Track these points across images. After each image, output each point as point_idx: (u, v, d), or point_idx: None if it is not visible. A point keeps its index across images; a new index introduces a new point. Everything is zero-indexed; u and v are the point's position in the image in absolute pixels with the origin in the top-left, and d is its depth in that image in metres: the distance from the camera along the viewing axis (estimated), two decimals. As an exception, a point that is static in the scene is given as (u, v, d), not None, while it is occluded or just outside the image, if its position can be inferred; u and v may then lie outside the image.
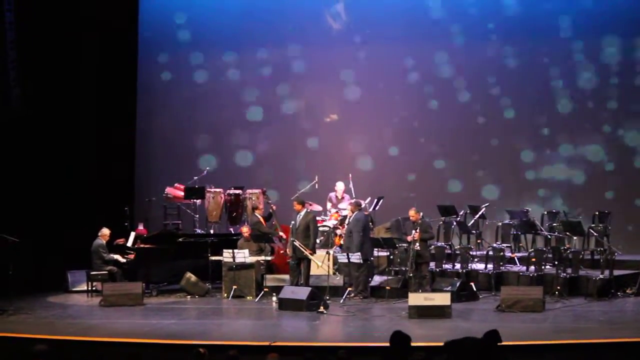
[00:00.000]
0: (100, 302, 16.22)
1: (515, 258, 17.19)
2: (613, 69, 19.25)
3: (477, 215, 17.90)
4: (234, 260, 16.64)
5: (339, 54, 20.28)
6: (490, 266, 16.87)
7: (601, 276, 15.93)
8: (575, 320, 14.24)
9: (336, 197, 18.51)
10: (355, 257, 15.99)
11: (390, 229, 18.04)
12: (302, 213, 16.59)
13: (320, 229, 17.60)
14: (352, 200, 17.21)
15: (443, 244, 17.47)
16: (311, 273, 16.44)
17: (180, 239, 17.83)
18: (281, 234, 17.42)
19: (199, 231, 18.85)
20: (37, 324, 14.56)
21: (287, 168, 20.28)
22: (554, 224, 17.46)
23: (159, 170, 20.45)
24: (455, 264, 17.08)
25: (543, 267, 16.27)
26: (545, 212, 18.22)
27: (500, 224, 17.94)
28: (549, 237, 17.11)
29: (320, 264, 16.18)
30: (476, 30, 19.71)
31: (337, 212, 18.21)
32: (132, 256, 17.49)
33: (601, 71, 19.29)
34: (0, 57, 18.08)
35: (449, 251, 17.32)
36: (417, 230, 15.95)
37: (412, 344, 8.96)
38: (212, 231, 18.79)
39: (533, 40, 19.49)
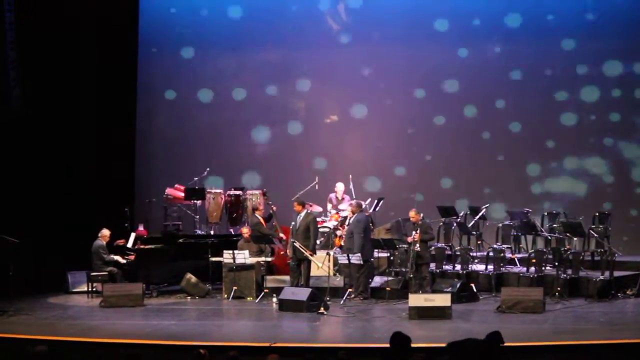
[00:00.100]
0: (100, 303, 16.21)
1: (516, 259, 17.19)
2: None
3: (478, 217, 17.90)
4: (234, 261, 16.63)
5: (340, 55, 20.28)
6: (490, 267, 16.86)
7: (601, 277, 15.93)
8: (575, 321, 14.23)
9: (336, 198, 18.51)
10: (356, 258, 15.99)
11: (390, 230, 18.05)
12: (303, 214, 16.59)
13: (321, 230, 17.61)
14: (353, 202, 17.19)
15: (443, 245, 17.47)
16: (311, 274, 16.44)
17: (180, 240, 17.82)
18: (281, 235, 17.41)
19: (199, 232, 18.84)
20: (38, 324, 14.56)
21: (287, 168, 20.27)
22: (554, 225, 17.46)
23: (159, 170, 20.46)
24: (456, 265, 17.07)
25: (543, 268, 16.26)
26: (546, 214, 18.23)
27: (500, 225, 17.94)
28: (549, 238, 17.10)
29: (321, 265, 16.17)
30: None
31: (337, 213, 18.21)
32: (132, 257, 17.49)
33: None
34: (1, 57, 18.08)
35: (449, 252, 17.31)
36: (418, 232, 15.95)
37: (412, 345, 8.96)
38: (212, 232, 18.79)
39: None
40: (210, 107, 20.62)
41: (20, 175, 18.28)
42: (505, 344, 9.13)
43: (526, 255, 17.04)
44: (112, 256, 17.33)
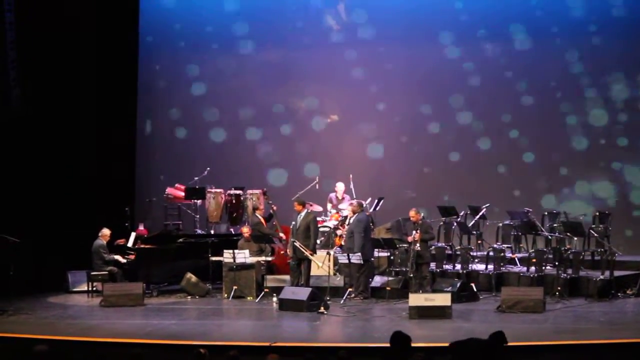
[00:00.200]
0: (100, 303, 16.21)
1: (516, 259, 17.18)
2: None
3: (478, 216, 17.89)
4: (234, 261, 16.63)
5: (340, 55, 20.28)
6: (490, 267, 16.86)
7: (602, 277, 15.93)
8: (575, 321, 14.23)
9: (336, 197, 18.51)
10: (356, 258, 15.99)
11: (390, 230, 18.04)
12: (303, 214, 16.59)
13: (321, 229, 17.61)
14: (354, 201, 17.18)
15: (444, 244, 17.46)
16: (311, 274, 16.44)
17: (180, 240, 17.82)
18: (281, 235, 17.41)
19: (199, 232, 18.84)
20: (38, 324, 14.56)
21: (287, 169, 20.28)
22: (555, 225, 17.45)
23: (159, 170, 20.46)
24: (456, 264, 17.07)
25: (543, 267, 16.26)
26: (546, 213, 18.21)
27: (500, 224, 17.93)
28: (550, 237, 17.10)
29: (321, 264, 16.17)
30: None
31: (337, 212, 18.21)
32: (132, 256, 17.49)
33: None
34: (1, 58, 18.08)
35: (450, 252, 17.31)
36: (418, 231, 15.95)
37: (413, 345, 8.96)
38: (212, 231, 18.80)
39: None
40: (210, 107, 20.61)
41: (21, 175, 18.28)
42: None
43: (526, 254, 17.03)
44: (112, 256, 17.33)
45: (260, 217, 17.67)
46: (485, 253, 17.30)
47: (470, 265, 16.90)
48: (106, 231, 17.39)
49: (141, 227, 18.53)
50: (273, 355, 9.58)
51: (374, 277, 16.63)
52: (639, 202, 19.25)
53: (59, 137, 18.89)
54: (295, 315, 15.04)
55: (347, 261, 16.17)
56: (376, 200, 18.41)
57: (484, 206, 18.06)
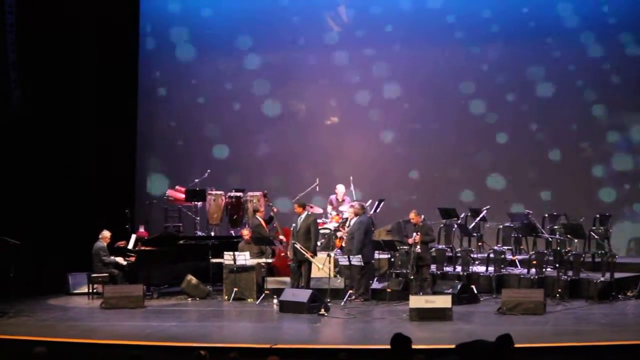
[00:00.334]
0: (101, 305, 16.21)
1: (516, 261, 17.17)
2: None
3: (478, 218, 17.89)
4: (234, 263, 16.63)
5: (341, 55, 20.29)
6: (491, 269, 16.85)
7: (602, 279, 15.92)
8: (576, 322, 14.22)
9: (337, 199, 18.51)
10: (356, 260, 15.99)
11: (391, 232, 18.03)
12: (303, 216, 16.59)
13: (321, 231, 17.60)
14: (355, 203, 17.16)
15: (444, 246, 17.47)
16: (312, 275, 16.44)
17: (181, 242, 17.82)
18: (281, 237, 17.40)
19: (199, 234, 18.83)
20: (38, 326, 14.56)
21: (288, 170, 20.27)
22: (555, 227, 17.43)
23: (159, 172, 20.45)
24: (456, 266, 17.06)
25: (544, 269, 16.25)
26: (547, 215, 18.20)
27: (501, 226, 17.93)
28: (550, 239, 17.08)
29: (321, 266, 16.17)
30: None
31: (337, 214, 18.21)
32: (133, 258, 17.49)
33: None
34: (1, 59, 18.09)
35: (450, 254, 17.31)
36: (418, 233, 15.94)
37: (413, 347, 8.96)
38: (212, 233, 18.80)
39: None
40: (210, 108, 20.61)
41: (21, 176, 18.28)
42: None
43: (527, 256, 17.02)
44: (112, 258, 17.33)
45: (260, 219, 17.66)
46: (485, 255, 17.29)
47: (470, 267, 16.89)
48: (106, 233, 17.39)
49: (141, 229, 18.53)
50: (273, 357, 9.58)
51: (374, 279, 16.62)
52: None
53: (59, 139, 18.90)
54: (295, 317, 15.03)
55: (347, 263, 16.17)
56: (376, 202, 18.40)
57: (484, 208, 18.05)
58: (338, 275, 16.81)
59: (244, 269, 16.69)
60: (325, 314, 14.98)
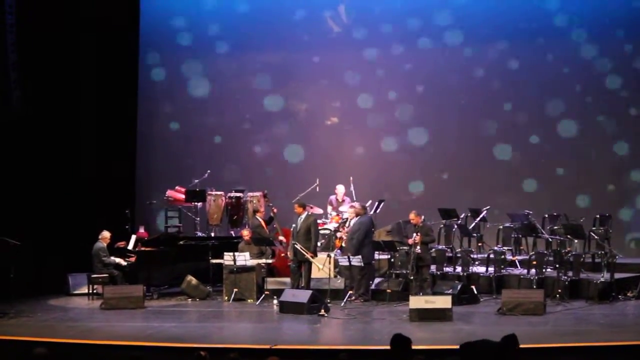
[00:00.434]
0: (101, 305, 16.21)
1: (516, 261, 17.16)
2: None
3: (478, 219, 17.88)
4: (234, 263, 16.63)
5: (341, 56, 20.28)
6: (491, 269, 16.84)
7: (602, 279, 15.91)
8: (576, 323, 14.22)
9: (337, 199, 18.51)
10: (357, 260, 15.99)
11: (391, 232, 18.03)
12: (303, 216, 16.58)
13: (321, 231, 17.60)
14: (356, 204, 17.15)
15: (444, 247, 17.46)
16: (312, 276, 16.43)
17: (181, 242, 17.82)
18: (281, 238, 17.39)
19: (200, 234, 18.83)
20: (38, 326, 14.56)
21: (288, 171, 20.28)
22: (555, 227, 17.42)
23: (159, 172, 20.45)
24: (456, 267, 17.06)
25: (544, 270, 16.24)
26: (547, 215, 18.19)
27: (501, 227, 17.92)
28: (550, 240, 17.07)
29: (321, 266, 16.17)
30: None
31: (337, 215, 18.21)
32: (133, 259, 17.49)
33: None
34: (1, 59, 18.09)
35: (450, 254, 17.30)
36: (418, 234, 15.94)
37: (413, 347, 8.95)
38: (212, 234, 18.80)
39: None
40: (210, 108, 20.61)
41: (21, 177, 18.28)
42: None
43: (527, 257, 17.02)
44: (112, 258, 17.33)
45: (260, 219, 17.66)
46: (485, 255, 17.28)
47: (470, 267, 16.88)
48: (106, 234, 17.39)
49: (141, 230, 18.53)
50: (273, 358, 9.57)
51: (374, 280, 16.62)
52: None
53: (59, 139, 18.90)
54: (295, 317, 15.03)
55: (347, 263, 16.17)
56: (377, 203, 18.40)
57: (484, 208, 18.05)
58: (338, 276, 16.81)
59: (244, 269, 16.69)
60: (325, 315, 14.98)
